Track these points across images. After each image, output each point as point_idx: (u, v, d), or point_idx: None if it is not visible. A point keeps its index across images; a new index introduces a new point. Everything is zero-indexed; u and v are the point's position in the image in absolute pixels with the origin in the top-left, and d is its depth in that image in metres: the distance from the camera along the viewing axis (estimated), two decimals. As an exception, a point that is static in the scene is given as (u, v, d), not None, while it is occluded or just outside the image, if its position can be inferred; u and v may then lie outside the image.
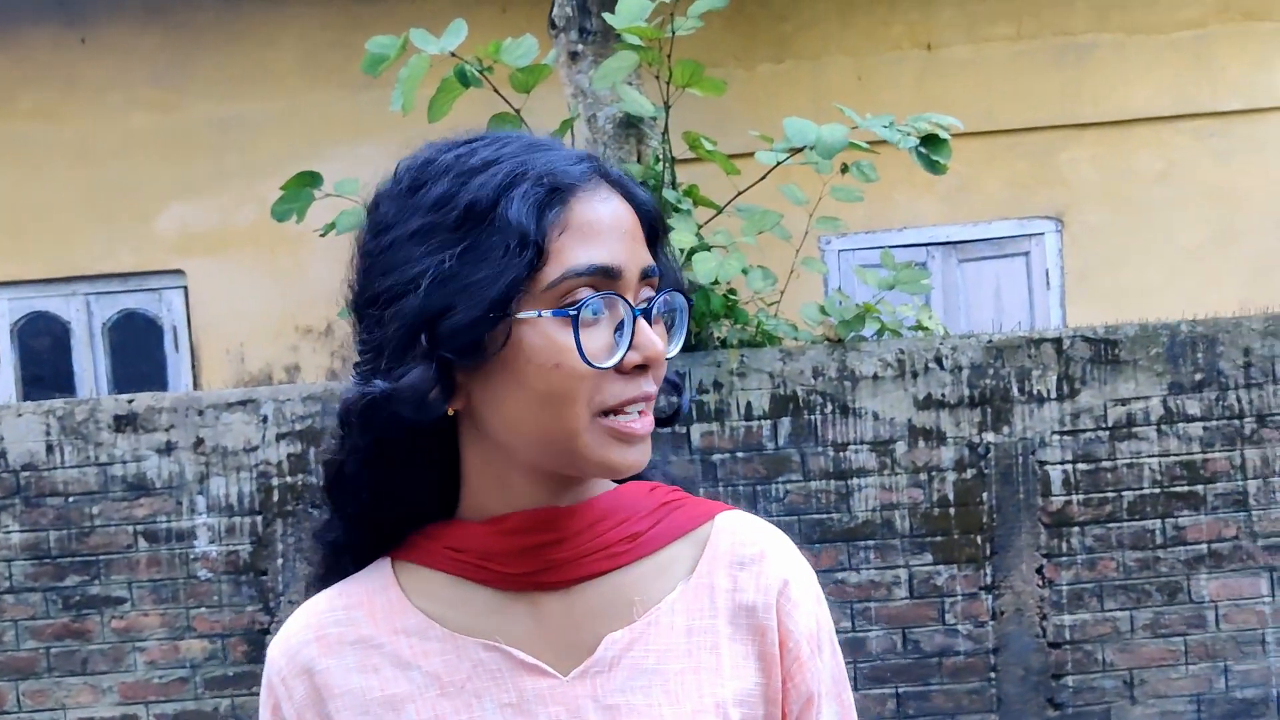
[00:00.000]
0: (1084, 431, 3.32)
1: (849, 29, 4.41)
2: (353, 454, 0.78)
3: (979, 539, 3.34)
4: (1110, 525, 3.34)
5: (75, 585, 3.38)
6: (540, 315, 0.72)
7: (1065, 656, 3.37)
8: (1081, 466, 3.32)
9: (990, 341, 3.31)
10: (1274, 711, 3.36)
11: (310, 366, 4.39)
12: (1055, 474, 3.32)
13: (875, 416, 3.30)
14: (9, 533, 3.36)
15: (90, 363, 4.65)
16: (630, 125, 3.21)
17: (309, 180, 3.13)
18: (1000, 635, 3.37)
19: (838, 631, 3.14)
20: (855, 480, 3.31)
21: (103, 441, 3.34)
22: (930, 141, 2.99)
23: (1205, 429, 3.32)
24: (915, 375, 3.30)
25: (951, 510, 3.33)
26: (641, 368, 0.74)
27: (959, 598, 3.35)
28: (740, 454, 3.28)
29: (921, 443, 3.31)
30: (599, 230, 0.74)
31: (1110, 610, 3.35)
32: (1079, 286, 4.51)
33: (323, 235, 3.25)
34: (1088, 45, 4.53)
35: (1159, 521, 3.33)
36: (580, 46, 3.20)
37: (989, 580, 3.35)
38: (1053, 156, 4.53)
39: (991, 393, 3.31)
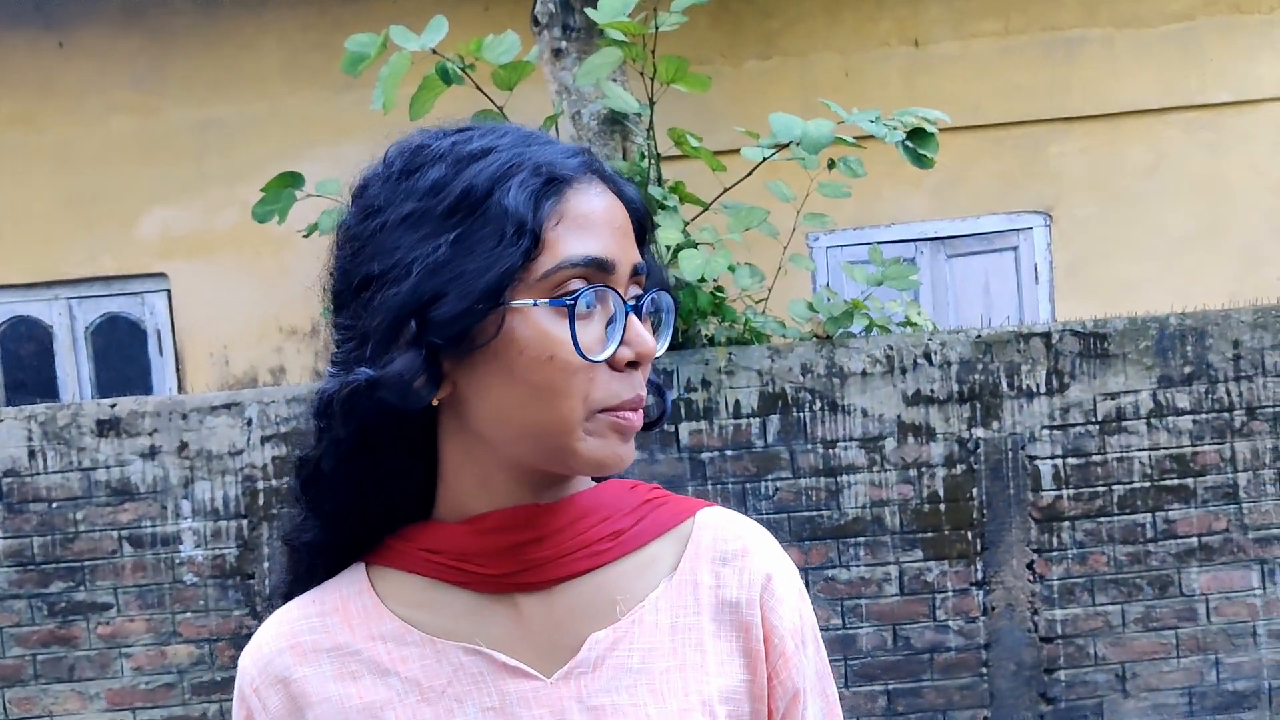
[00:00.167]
0: (1073, 426, 3.30)
1: (836, 25, 4.38)
2: (331, 448, 0.75)
3: (969, 535, 3.33)
4: (1100, 519, 3.33)
5: (60, 592, 3.35)
6: (535, 304, 0.71)
7: (1057, 651, 3.36)
8: (1071, 461, 3.31)
9: (979, 337, 3.30)
10: (1265, 704, 3.36)
11: (295, 368, 4.35)
12: (1045, 469, 3.31)
13: (864, 413, 3.28)
14: (-8, 539, 3.33)
15: (74, 367, 4.61)
16: (615, 122, 3.18)
17: (290, 181, 3.10)
18: (991, 631, 3.36)
19: (828, 629, 3.12)
20: (845, 477, 3.30)
21: (85, 446, 3.31)
22: (917, 135, 2.97)
23: (1195, 422, 3.31)
24: (904, 371, 3.28)
25: (941, 506, 3.32)
26: (633, 364, 0.74)
27: (950, 594, 3.34)
28: (729, 452, 3.26)
29: (911, 439, 3.30)
30: (594, 223, 0.73)
31: (1101, 604, 3.35)
32: (1068, 280, 4.50)
33: (306, 236, 3.23)
34: (1076, 39, 4.51)
35: (1149, 515, 3.33)
36: (564, 43, 3.17)
37: (980, 576, 3.34)
38: (1041, 150, 4.51)
39: (981, 388, 3.30)
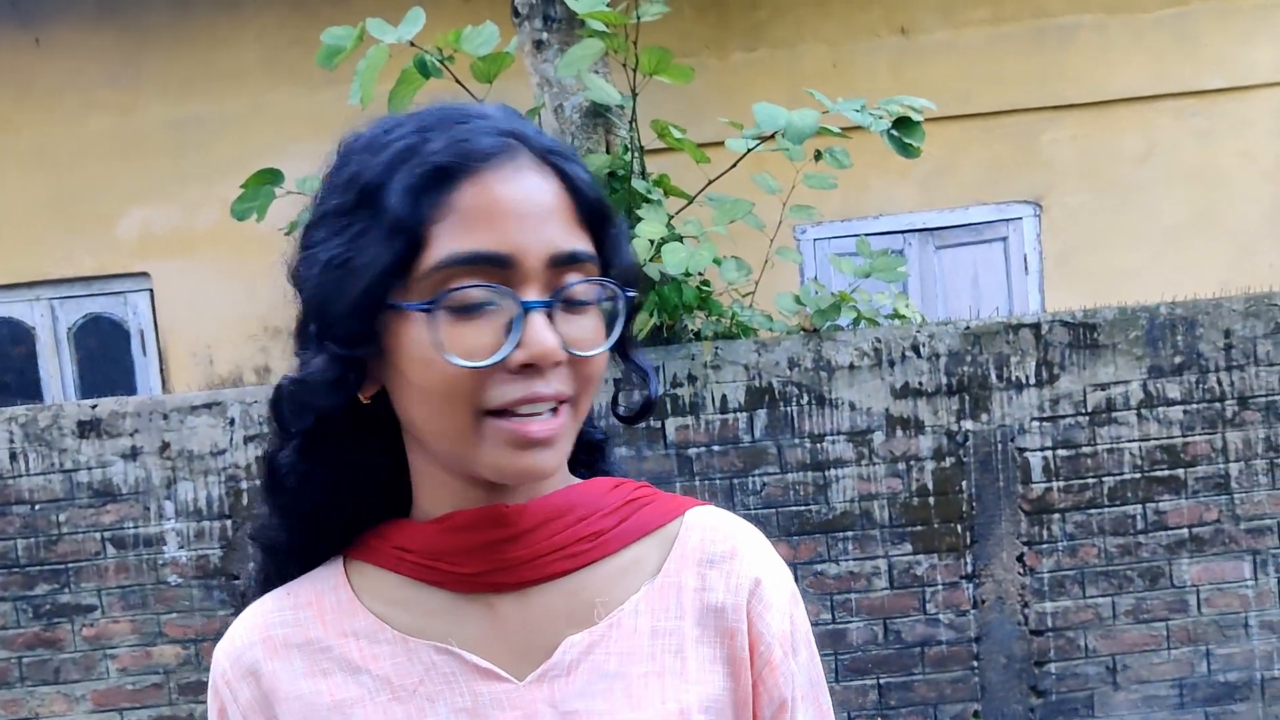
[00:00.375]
0: (1063, 417, 3.28)
1: (824, 15, 4.33)
2: (288, 447, 0.75)
3: (959, 528, 3.31)
4: (1091, 511, 3.31)
5: (45, 594, 3.32)
6: (404, 307, 0.67)
7: (1047, 644, 3.35)
8: (1061, 453, 3.29)
9: (968, 328, 3.27)
10: (1257, 695, 3.34)
11: (280, 367, 4.32)
12: (1035, 461, 3.29)
13: (852, 406, 3.26)
14: (-26, 542, 3.30)
15: (57, 368, 4.57)
16: (597, 115, 3.13)
17: (269, 178, 3.05)
18: (982, 624, 3.34)
19: (818, 624, 3.08)
20: (833, 471, 3.27)
21: (67, 448, 3.28)
22: (903, 124, 2.93)
23: (1186, 412, 3.29)
24: (892, 364, 3.25)
25: (931, 499, 3.29)
26: (530, 367, 0.67)
27: (940, 587, 3.32)
28: (716, 447, 3.24)
29: (899, 432, 3.27)
30: (494, 213, 0.67)
31: (1092, 597, 3.33)
32: (1058, 271, 4.46)
33: (287, 234, 3.18)
34: (1067, 26, 4.46)
35: (1140, 507, 3.30)
36: (545, 34, 3.12)
37: (970, 569, 3.32)
38: (1031, 139, 4.46)
39: (969, 380, 3.27)
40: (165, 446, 3.29)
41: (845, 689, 3.33)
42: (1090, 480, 3.30)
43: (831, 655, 3.30)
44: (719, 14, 4.29)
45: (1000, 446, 3.28)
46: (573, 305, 0.69)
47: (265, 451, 0.77)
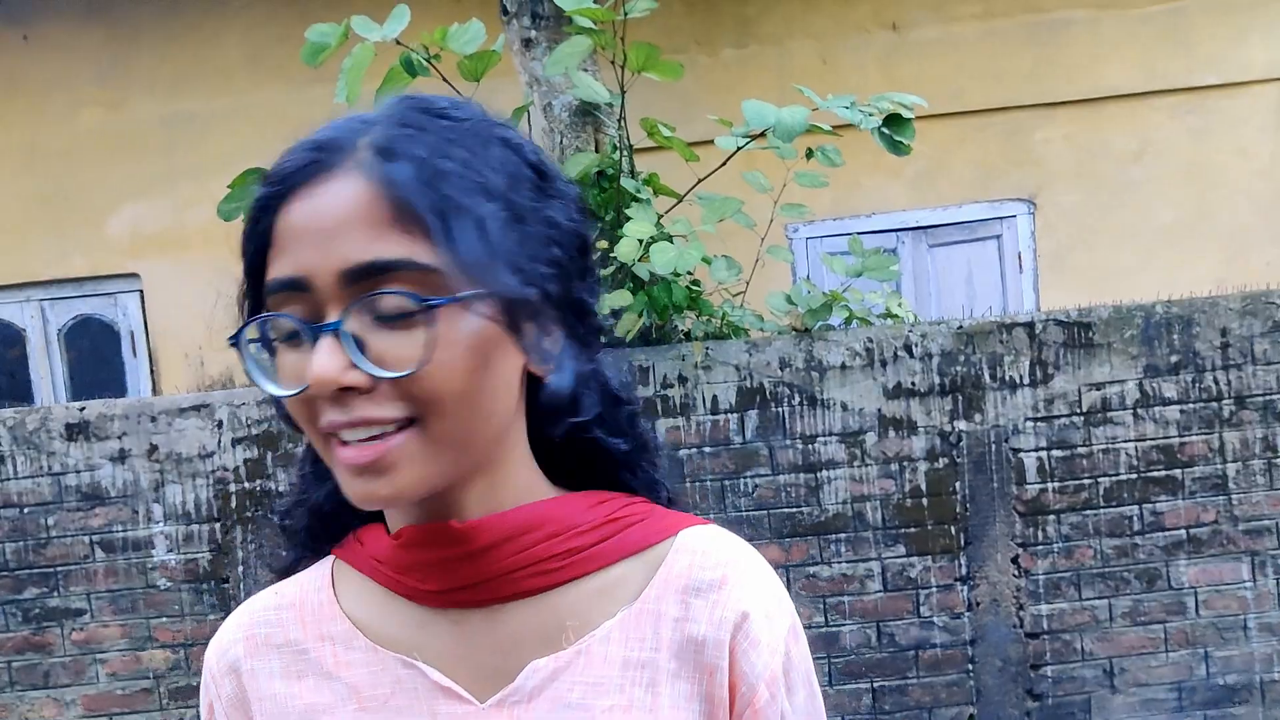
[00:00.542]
0: (1058, 417, 3.25)
1: (813, 11, 4.29)
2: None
3: (953, 529, 3.27)
4: (1086, 512, 3.27)
5: (34, 598, 3.31)
6: (231, 340, 0.67)
7: (1044, 647, 3.31)
8: (1056, 453, 3.25)
9: (961, 327, 3.24)
10: (1257, 698, 3.30)
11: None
12: (1029, 461, 3.26)
13: (844, 407, 3.23)
14: (-37, 545, 3.29)
15: (47, 370, 4.56)
16: (587, 113, 3.11)
17: (256, 177, 3.03)
18: (977, 626, 3.31)
19: (811, 627, 3.04)
20: (825, 472, 3.24)
21: (55, 451, 3.26)
22: (893, 121, 2.90)
23: (1182, 412, 3.25)
24: (884, 364, 3.22)
25: (924, 501, 3.26)
26: (348, 390, 0.63)
27: (934, 589, 3.29)
28: (707, 449, 3.21)
29: (892, 433, 3.24)
30: (291, 237, 0.63)
31: (1088, 599, 3.29)
32: (1052, 269, 4.42)
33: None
34: (1059, 22, 4.42)
35: (1136, 507, 3.27)
36: (533, 33, 3.10)
37: (964, 571, 3.29)
38: (1024, 137, 4.43)
39: (963, 380, 3.24)
40: (154, 449, 3.27)
41: (839, 693, 3.30)
42: (1086, 481, 3.26)
43: (825, 659, 3.27)
44: (708, 9, 4.26)
45: (994, 447, 3.25)
46: (391, 320, 0.62)
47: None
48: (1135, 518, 3.28)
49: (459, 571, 0.70)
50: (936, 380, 3.24)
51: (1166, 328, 3.25)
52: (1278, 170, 4.48)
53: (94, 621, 3.31)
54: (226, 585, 3.32)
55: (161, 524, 3.28)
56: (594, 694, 0.70)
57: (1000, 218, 4.45)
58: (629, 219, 2.93)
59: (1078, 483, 3.26)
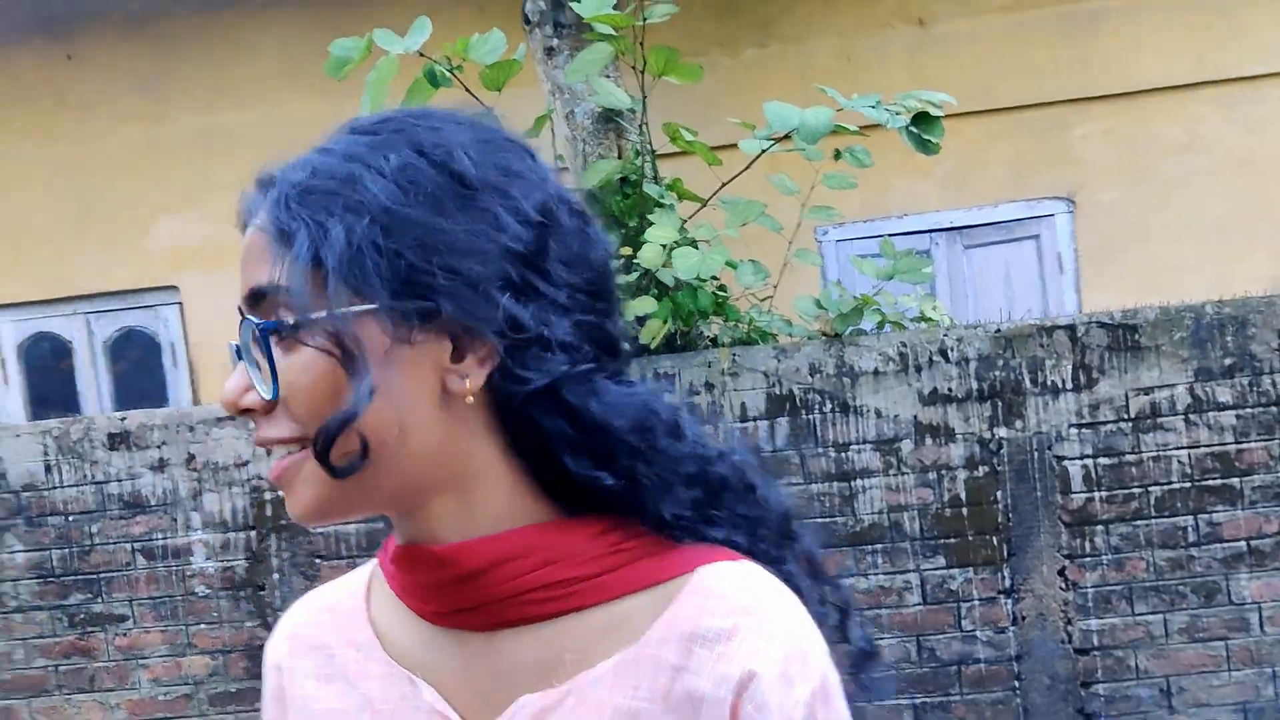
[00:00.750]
0: (1104, 423, 3.11)
1: (835, 8, 4.20)
2: None
3: (995, 540, 3.16)
4: (1137, 523, 3.12)
5: (79, 603, 3.40)
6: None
7: (1094, 663, 3.17)
8: (1103, 461, 3.12)
9: (999, 331, 3.13)
10: (1328, 721, 3.11)
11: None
12: (1074, 469, 3.12)
13: (878, 414, 3.14)
14: (14, 553, 3.39)
15: (93, 381, 4.70)
16: (609, 120, 3.10)
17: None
18: (1023, 641, 3.18)
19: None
20: (859, 481, 3.16)
21: (98, 460, 3.35)
22: (921, 120, 2.82)
23: (1239, 417, 3.09)
24: (919, 369, 3.13)
25: (964, 510, 3.15)
26: (250, 410, 0.67)
27: (976, 602, 3.17)
28: (736, 457, 3.15)
29: (929, 440, 3.14)
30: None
31: (1141, 613, 3.14)
32: (1094, 269, 4.24)
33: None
34: (1095, 11, 4.24)
35: (1190, 518, 3.11)
36: (555, 41, 3.10)
37: (1008, 583, 3.16)
38: (1061, 133, 4.26)
39: (1002, 385, 3.13)
40: (191, 458, 3.34)
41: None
42: (1135, 490, 3.12)
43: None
44: (728, 11, 4.19)
45: (1037, 454, 3.13)
46: (281, 343, 0.64)
47: None
48: (1190, 528, 3.12)
49: (452, 595, 0.68)
50: (974, 386, 3.13)
51: (1219, 329, 3.09)
52: (1335, 162, 4.25)
53: (136, 628, 3.39)
54: (263, 592, 3.36)
55: (200, 531, 3.34)
56: None
57: (1038, 217, 4.29)
58: (652, 224, 2.91)
59: (1127, 492, 3.12)
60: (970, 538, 3.16)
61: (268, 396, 0.64)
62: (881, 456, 3.16)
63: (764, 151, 2.95)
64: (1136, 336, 3.10)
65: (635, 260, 2.89)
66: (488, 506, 0.67)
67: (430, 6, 3.30)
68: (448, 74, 2.90)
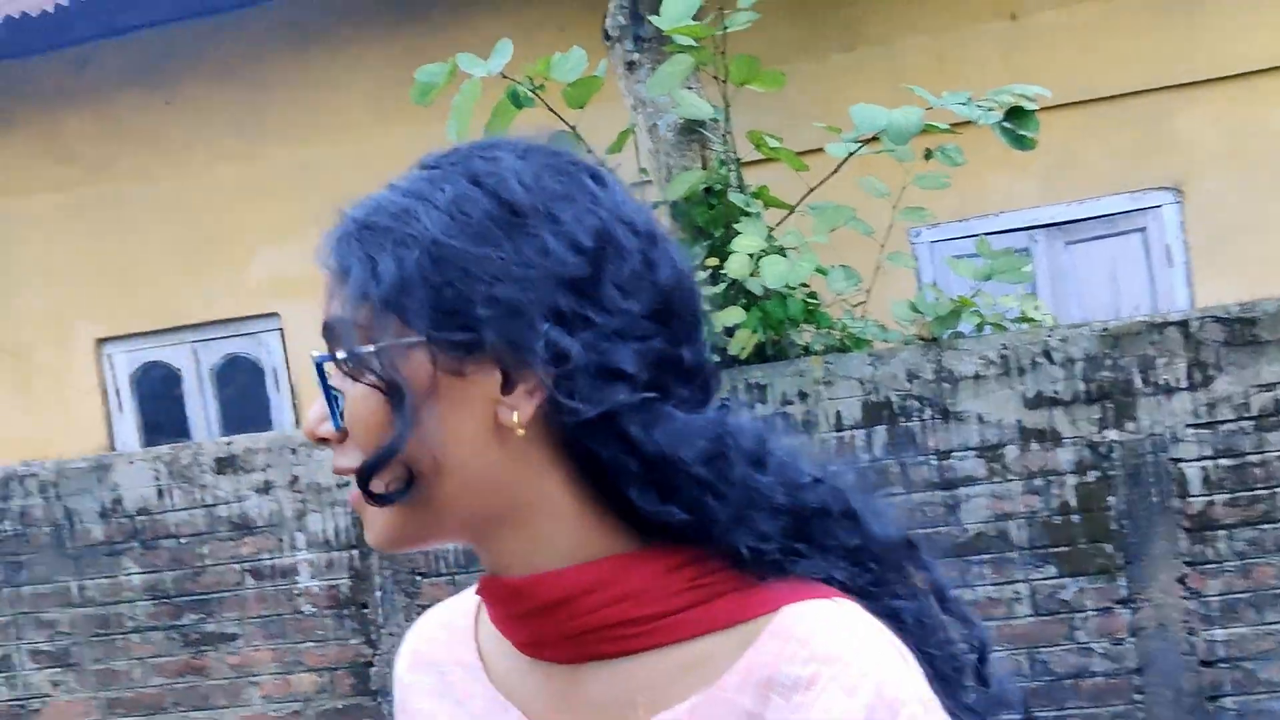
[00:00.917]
0: (1223, 423, 2.95)
1: (923, 6, 4.10)
2: None
3: (1109, 548, 3.02)
4: (1264, 526, 2.96)
5: (192, 623, 3.51)
6: None
7: (1222, 676, 3.00)
8: (1223, 462, 2.96)
9: (1106, 329, 3.00)
10: None
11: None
12: (1192, 472, 2.97)
13: (980, 419, 3.04)
14: (130, 574, 3.53)
15: (201, 407, 4.89)
16: (692, 131, 3.08)
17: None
18: (1143, 653, 3.04)
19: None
20: (963, 490, 3.06)
21: (207, 484, 3.46)
22: (1015, 115, 2.73)
23: (1372, 412, 2.90)
24: (1022, 372, 3.02)
25: (1074, 517, 3.03)
26: (334, 439, 0.68)
27: (1090, 613, 3.04)
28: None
29: (1034, 445, 3.03)
30: None
31: (1272, 623, 2.97)
32: (1206, 262, 4.03)
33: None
34: (1195, -5, 4.06)
35: (1323, 521, 2.93)
36: (636, 55, 3.10)
37: (1124, 593, 3.03)
38: (1165, 121, 4.07)
39: (1111, 386, 3.00)
40: (294, 480, 3.42)
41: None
42: (1261, 492, 2.95)
43: (972, 688, 3.07)
44: (811, 15, 4.12)
45: (1151, 457, 2.98)
46: (345, 375, 0.66)
47: None
48: (1323, 532, 2.94)
49: (533, 626, 0.67)
50: (1081, 387, 3.01)
51: (1348, 319, 2.91)
52: None
53: (247, 646, 3.48)
54: (366, 610, 3.42)
55: (304, 551, 3.42)
56: None
57: (1143, 209, 4.10)
58: (738, 234, 2.87)
59: (1251, 494, 2.96)
60: (1082, 546, 3.04)
61: (333, 428, 0.66)
62: (985, 463, 3.05)
63: (851, 154, 2.90)
64: (1255, 330, 2.94)
65: (722, 271, 2.86)
66: (554, 539, 0.65)
67: (512, 28, 3.34)
68: (530, 94, 2.92)
